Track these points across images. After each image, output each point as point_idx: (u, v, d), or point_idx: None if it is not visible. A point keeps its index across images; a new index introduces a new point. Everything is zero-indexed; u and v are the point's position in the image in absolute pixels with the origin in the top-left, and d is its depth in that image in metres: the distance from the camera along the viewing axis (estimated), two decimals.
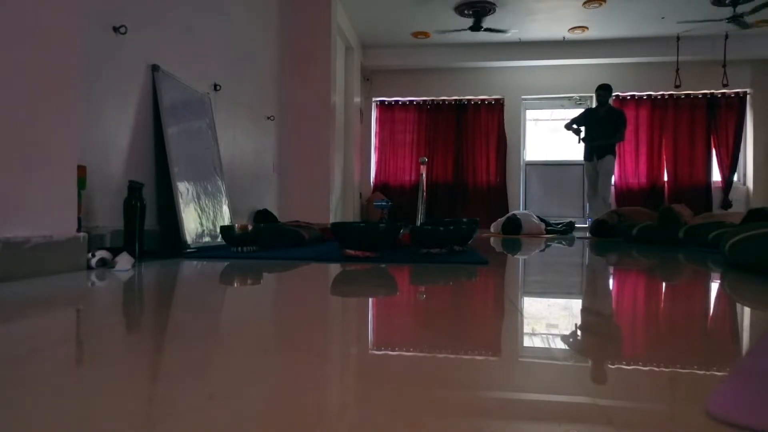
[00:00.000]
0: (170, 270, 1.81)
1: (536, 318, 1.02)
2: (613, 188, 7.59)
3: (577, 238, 4.94)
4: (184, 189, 2.63)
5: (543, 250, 3.16)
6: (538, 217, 5.92)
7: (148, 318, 1.02)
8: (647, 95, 7.52)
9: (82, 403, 0.53)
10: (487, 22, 6.30)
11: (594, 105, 6.14)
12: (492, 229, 5.87)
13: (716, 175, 7.46)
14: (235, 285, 1.50)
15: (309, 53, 4.96)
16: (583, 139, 5.83)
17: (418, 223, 5.19)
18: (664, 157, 7.51)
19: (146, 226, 2.25)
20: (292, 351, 0.74)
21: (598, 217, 5.21)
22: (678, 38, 6.79)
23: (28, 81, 1.57)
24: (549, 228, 5.82)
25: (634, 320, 1.04)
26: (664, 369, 0.66)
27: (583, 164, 7.80)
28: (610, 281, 1.76)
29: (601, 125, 5.72)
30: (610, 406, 0.53)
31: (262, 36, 4.27)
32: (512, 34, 6.64)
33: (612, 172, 5.81)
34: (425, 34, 6.95)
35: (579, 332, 0.91)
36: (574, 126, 5.89)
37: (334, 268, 1.86)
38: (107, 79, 2.23)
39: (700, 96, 7.44)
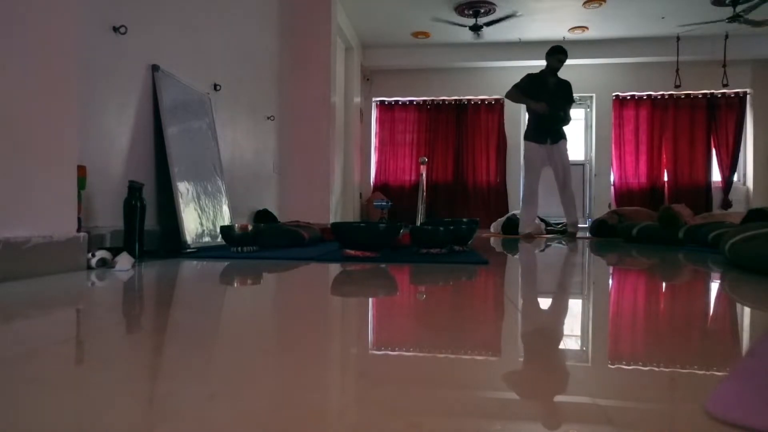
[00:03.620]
0: (170, 270, 1.81)
1: (536, 318, 1.02)
2: (612, 188, 7.62)
3: (577, 237, 4.94)
4: (184, 189, 2.63)
5: (543, 250, 3.16)
6: (538, 217, 5.91)
7: (148, 318, 1.02)
8: (647, 95, 7.52)
9: (82, 403, 0.53)
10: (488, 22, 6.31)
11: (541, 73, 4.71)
12: (492, 229, 5.87)
13: (716, 175, 7.46)
14: (235, 285, 1.50)
15: (309, 53, 4.96)
16: (533, 119, 4.63)
17: (418, 223, 5.18)
18: (664, 157, 7.51)
19: (146, 226, 2.24)
20: (292, 351, 0.74)
21: (601, 217, 5.11)
22: (678, 38, 6.79)
23: (27, 81, 1.57)
24: (549, 228, 5.81)
25: (634, 320, 1.04)
26: (664, 369, 0.66)
27: (582, 164, 7.89)
28: (610, 281, 1.76)
29: (552, 99, 4.50)
30: (610, 406, 0.53)
31: (262, 36, 4.27)
32: (518, 17, 6.30)
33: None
34: (425, 34, 6.95)
35: (579, 332, 0.91)
36: (528, 100, 4.56)
37: (334, 268, 1.86)
38: (107, 79, 2.23)
39: (700, 96, 7.44)
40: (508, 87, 4.76)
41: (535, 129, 4.61)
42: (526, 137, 4.68)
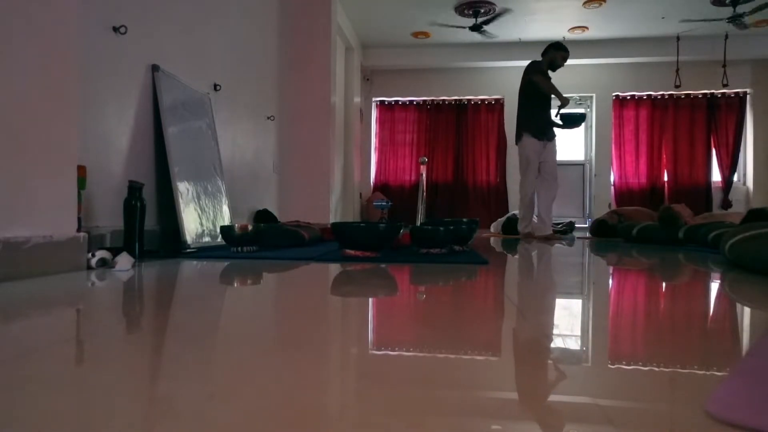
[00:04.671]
0: (170, 270, 1.81)
1: (536, 318, 1.02)
2: (612, 188, 7.62)
3: (578, 238, 4.94)
4: (184, 189, 2.63)
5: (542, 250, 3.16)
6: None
7: (148, 318, 1.02)
8: (647, 95, 7.52)
9: (81, 403, 0.53)
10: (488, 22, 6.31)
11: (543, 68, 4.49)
12: (492, 229, 5.87)
13: (716, 175, 7.46)
14: (235, 285, 1.50)
15: (309, 53, 4.96)
16: (539, 115, 4.40)
17: (418, 223, 5.18)
18: (664, 157, 7.51)
19: (146, 226, 2.25)
20: (292, 351, 0.74)
21: (601, 217, 5.10)
22: (678, 38, 6.79)
23: (27, 81, 1.57)
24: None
25: (634, 320, 1.04)
26: (664, 369, 0.66)
27: (582, 164, 7.89)
28: (610, 281, 1.76)
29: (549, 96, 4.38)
30: (610, 406, 0.53)
31: (262, 36, 4.27)
32: (513, 13, 6.20)
33: None
34: (425, 34, 6.95)
35: (579, 332, 0.91)
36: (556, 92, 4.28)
37: (334, 268, 1.86)
38: (107, 79, 2.23)
39: (700, 96, 7.44)
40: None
41: (541, 125, 4.41)
42: (528, 132, 4.41)
